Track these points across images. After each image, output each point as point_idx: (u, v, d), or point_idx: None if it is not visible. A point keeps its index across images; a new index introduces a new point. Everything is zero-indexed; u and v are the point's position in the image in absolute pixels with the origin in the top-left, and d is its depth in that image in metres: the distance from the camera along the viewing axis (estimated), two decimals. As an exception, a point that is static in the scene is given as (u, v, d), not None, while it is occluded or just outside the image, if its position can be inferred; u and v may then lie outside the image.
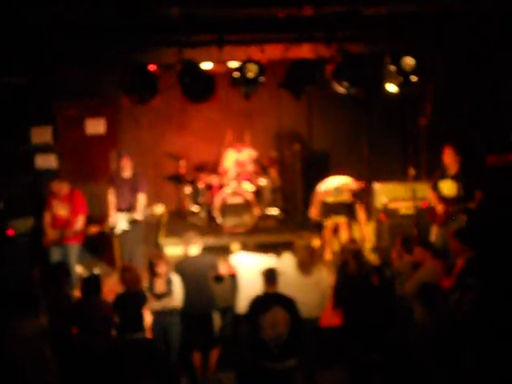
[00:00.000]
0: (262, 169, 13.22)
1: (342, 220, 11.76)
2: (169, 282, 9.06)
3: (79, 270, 10.80)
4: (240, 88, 10.22)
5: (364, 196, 11.68)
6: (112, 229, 11.18)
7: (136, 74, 10.08)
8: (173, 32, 9.79)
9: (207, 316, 9.25)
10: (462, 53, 10.87)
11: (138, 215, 11.05)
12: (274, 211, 13.22)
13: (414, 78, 9.99)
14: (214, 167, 13.32)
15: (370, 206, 12.15)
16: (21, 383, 7.52)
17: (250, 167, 13.03)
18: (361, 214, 11.69)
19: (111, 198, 11.30)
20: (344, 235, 11.67)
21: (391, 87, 10.20)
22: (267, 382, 8.11)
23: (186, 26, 9.56)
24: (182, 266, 9.32)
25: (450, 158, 10.60)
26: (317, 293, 8.92)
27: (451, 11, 9.63)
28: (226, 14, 9.57)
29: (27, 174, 12.66)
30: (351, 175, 11.93)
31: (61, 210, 10.74)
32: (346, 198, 11.60)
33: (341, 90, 10.21)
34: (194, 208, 13.28)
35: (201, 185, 13.13)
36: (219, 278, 9.47)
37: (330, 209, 11.69)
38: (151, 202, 11.46)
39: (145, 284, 9.06)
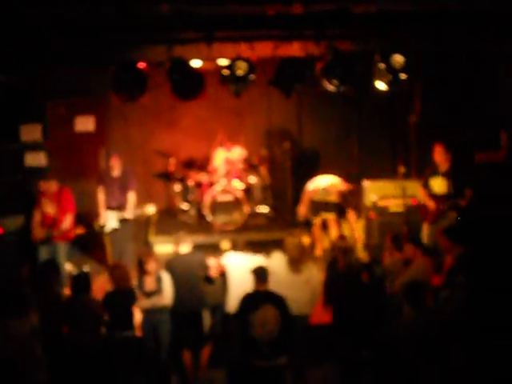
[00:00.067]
0: (251, 167, 13.21)
1: (330, 217, 11.77)
2: (158, 280, 9.05)
3: (69, 267, 10.76)
4: (230, 86, 10.22)
5: (352, 199, 11.66)
6: (102, 227, 11.16)
7: (125, 71, 10.06)
8: (162, 29, 9.77)
9: (197, 314, 9.24)
10: (452, 50, 10.88)
11: (128, 214, 11.04)
12: (263, 209, 13.22)
13: (403, 76, 10.01)
14: (203, 165, 13.29)
15: (359, 204, 12.16)
16: (11, 383, 7.48)
17: (240, 165, 13.03)
18: (350, 213, 11.70)
19: (101, 196, 11.28)
20: (333, 232, 11.69)
21: (381, 85, 10.22)
22: (258, 380, 8.10)
23: (175, 23, 9.54)
24: (172, 264, 9.31)
25: (440, 156, 10.63)
26: (307, 290, 8.93)
27: (440, 9, 9.64)
28: (215, 12, 9.55)
29: (17, 172, 12.59)
30: (341, 173, 11.96)
31: (49, 209, 10.71)
32: (333, 198, 11.62)
33: (330, 87, 10.21)
34: (184, 206, 13.26)
35: (190, 182, 13.11)
36: (209, 280, 9.46)
37: (318, 206, 11.70)
38: (141, 200, 11.46)
39: (134, 282, 9.05)
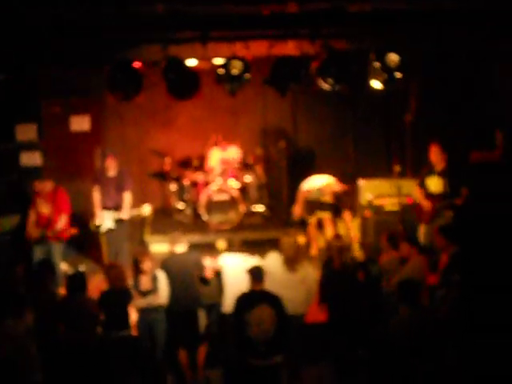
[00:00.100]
0: (247, 166, 13.21)
1: (326, 216, 11.77)
2: (154, 279, 9.05)
3: (64, 267, 10.75)
4: (225, 85, 10.22)
5: (346, 199, 11.67)
6: (97, 227, 11.15)
7: (121, 70, 10.05)
8: (157, 29, 9.76)
9: (192, 313, 9.24)
10: (447, 49, 10.88)
11: (124, 215, 11.03)
12: (259, 208, 13.22)
13: (398, 75, 10.02)
14: (199, 164, 13.29)
15: (355, 203, 12.17)
16: (7, 383, 7.48)
17: (236, 165, 13.03)
18: (346, 213, 11.70)
19: (96, 196, 11.26)
20: (329, 231, 11.69)
21: (376, 84, 10.23)
22: (254, 379, 8.10)
23: (170, 22, 9.53)
24: (168, 264, 9.31)
25: (436, 156, 10.64)
26: (303, 289, 8.94)
27: (435, 8, 9.65)
28: (210, 11, 9.55)
29: (12, 171, 12.59)
30: (336, 172, 11.96)
31: (44, 209, 10.69)
32: (327, 199, 11.63)
33: (326, 86, 10.22)
34: (180, 205, 13.25)
35: (186, 182, 13.11)
36: (205, 281, 9.47)
37: (313, 205, 11.71)
38: (137, 199, 11.46)
39: (130, 281, 9.05)
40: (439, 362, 7.58)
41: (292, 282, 8.90)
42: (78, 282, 8.61)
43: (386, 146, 14.19)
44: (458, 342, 7.91)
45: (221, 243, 10.04)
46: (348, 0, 9.37)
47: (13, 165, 12.64)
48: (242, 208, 12.55)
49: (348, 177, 12.49)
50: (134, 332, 8.92)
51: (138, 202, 11.39)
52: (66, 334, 8.30)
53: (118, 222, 11.05)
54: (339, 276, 8.80)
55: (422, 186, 10.76)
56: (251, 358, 8.02)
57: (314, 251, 11.77)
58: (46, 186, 10.73)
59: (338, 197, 11.60)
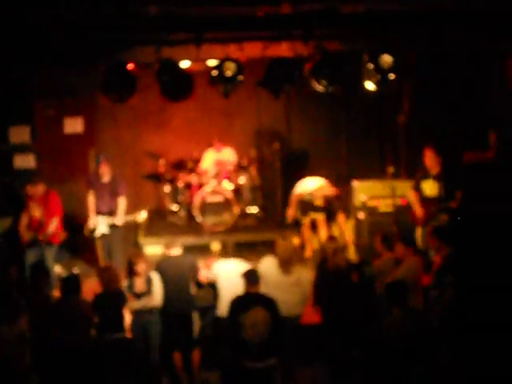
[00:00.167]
0: (241, 167, 13.20)
1: (319, 217, 11.76)
2: (148, 281, 9.03)
3: (58, 269, 10.75)
4: (219, 86, 10.22)
5: (338, 203, 11.66)
6: (92, 232, 11.14)
7: (114, 72, 10.03)
8: (151, 30, 9.75)
9: (187, 316, 9.24)
10: (441, 50, 10.89)
11: (118, 220, 11.02)
12: (253, 210, 13.21)
13: (391, 76, 10.02)
14: (193, 166, 13.27)
15: (349, 204, 12.17)
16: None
17: (230, 166, 13.02)
18: (339, 215, 11.70)
19: (91, 200, 11.24)
20: (323, 233, 11.68)
21: (369, 85, 10.23)
22: (249, 381, 8.11)
23: (164, 24, 9.53)
24: (163, 266, 9.31)
25: (430, 160, 10.63)
26: (297, 291, 8.94)
27: (429, 9, 9.66)
28: (204, 13, 9.55)
29: (5, 174, 12.58)
30: (330, 173, 11.96)
31: (36, 212, 10.67)
32: (319, 203, 11.62)
33: (319, 88, 10.21)
34: (174, 207, 13.23)
35: (180, 184, 13.09)
36: (200, 284, 9.48)
37: (307, 206, 11.70)
38: (131, 202, 11.46)
39: (124, 283, 9.04)
40: (433, 363, 7.59)
41: (287, 285, 8.89)
42: (72, 284, 8.59)
43: (379, 147, 14.19)
44: (452, 343, 7.91)
45: (215, 245, 10.04)
46: (341, 1, 9.38)
47: (6, 167, 12.63)
48: (236, 210, 12.54)
49: (342, 178, 12.50)
50: (128, 334, 8.90)
51: (132, 204, 11.39)
52: (60, 337, 8.27)
53: (112, 226, 11.04)
54: (333, 277, 8.80)
55: (417, 189, 10.76)
56: (246, 361, 8.02)
57: (308, 253, 11.77)
58: (39, 189, 10.70)
59: (329, 200, 11.59)
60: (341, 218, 11.70)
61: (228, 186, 12.78)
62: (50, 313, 8.42)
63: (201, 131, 13.58)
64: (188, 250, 9.97)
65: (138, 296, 8.97)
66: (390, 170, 11.61)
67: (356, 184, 12.08)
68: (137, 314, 9.00)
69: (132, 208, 11.44)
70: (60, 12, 9.07)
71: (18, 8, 8.86)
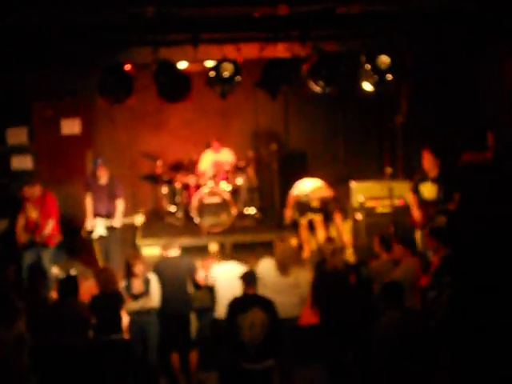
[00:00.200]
0: (239, 168, 13.19)
1: (317, 218, 11.75)
2: (146, 282, 9.03)
3: (55, 271, 10.74)
4: (216, 87, 10.21)
5: (334, 205, 11.63)
6: (89, 234, 11.12)
7: (111, 73, 10.02)
8: (148, 31, 9.73)
9: (184, 317, 9.24)
10: (439, 50, 10.90)
11: (116, 223, 11.01)
12: (251, 211, 13.21)
13: (389, 77, 10.02)
14: (190, 167, 13.27)
15: (346, 205, 12.17)
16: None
17: (228, 167, 13.02)
18: (336, 217, 11.69)
19: (88, 202, 11.22)
20: (320, 233, 11.67)
21: (367, 86, 10.23)
22: (246, 383, 8.11)
23: (161, 25, 9.52)
24: (160, 267, 9.30)
25: (429, 163, 10.61)
26: (296, 293, 8.94)
27: (426, 10, 9.66)
28: (201, 13, 9.54)
29: (3, 175, 12.58)
30: (328, 174, 11.96)
31: (32, 213, 10.65)
32: (315, 205, 11.61)
33: (316, 88, 10.21)
34: (171, 208, 13.23)
35: (178, 185, 13.08)
36: (197, 286, 9.47)
37: (304, 207, 11.69)
38: (128, 203, 11.46)
39: (122, 284, 9.03)
40: (430, 364, 7.58)
41: (285, 286, 8.89)
42: (69, 286, 8.57)
43: (377, 148, 14.19)
44: (450, 344, 7.91)
45: (213, 246, 10.04)
46: (338, 2, 9.38)
47: (3, 168, 12.63)
48: (234, 210, 12.53)
49: (339, 179, 12.49)
50: (126, 335, 8.89)
51: (129, 206, 11.37)
52: (58, 338, 8.26)
53: (110, 228, 11.03)
54: (331, 278, 8.80)
55: (416, 192, 10.75)
56: (244, 362, 8.02)
57: (306, 254, 11.76)
58: (35, 190, 10.67)
59: (325, 202, 11.57)
60: (338, 218, 11.69)
61: (226, 186, 12.77)
62: (47, 314, 8.41)
63: (198, 132, 13.58)
64: (186, 251, 9.96)
65: (136, 297, 8.96)
66: (388, 170, 11.59)
67: (354, 185, 12.07)
68: (135, 315, 9.00)
69: (130, 209, 11.44)
70: (57, 14, 9.05)
71: (16, 9, 8.84)
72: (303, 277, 9.14)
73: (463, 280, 8.21)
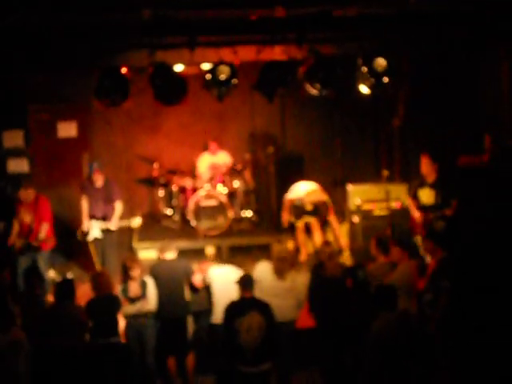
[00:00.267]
0: (235, 171, 13.18)
1: (313, 221, 11.73)
2: (143, 286, 9.02)
3: (52, 274, 10.71)
4: (212, 90, 10.19)
5: (327, 210, 11.60)
6: (84, 235, 11.10)
7: (107, 77, 10.01)
8: (144, 34, 9.72)
9: (181, 320, 9.23)
10: (435, 54, 10.90)
11: (113, 225, 10.99)
12: (247, 213, 13.19)
13: (385, 79, 10.01)
14: (187, 170, 13.26)
15: (343, 208, 12.16)
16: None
17: (224, 170, 13.01)
18: (332, 220, 11.67)
19: (84, 205, 11.20)
20: (317, 236, 11.65)
21: (363, 88, 10.22)
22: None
23: (157, 28, 9.50)
24: (157, 270, 9.30)
25: (427, 168, 10.61)
26: (292, 296, 8.93)
27: (423, 12, 9.67)
28: (197, 16, 9.53)
29: (-1, 178, 12.58)
30: (324, 177, 11.96)
31: (26, 217, 10.62)
32: (309, 208, 11.59)
33: (313, 91, 10.21)
34: (168, 211, 13.22)
35: (174, 188, 13.07)
36: (194, 289, 9.46)
37: (299, 211, 11.67)
38: (125, 206, 11.43)
39: (119, 288, 9.02)
40: (426, 366, 7.57)
41: (281, 290, 8.89)
42: (66, 289, 8.54)
43: (374, 150, 14.19)
44: (447, 346, 7.90)
45: (209, 249, 10.02)
46: (335, 4, 9.37)
47: (0, 172, 12.61)
48: (231, 214, 12.52)
49: (336, 182, 12.48)
50: (122, 339, 8.87)
51: (126, 209, 11.36)
52: (55, 342, 8.23)
53: (106, 231, 11.01)
54: (328, 282, 8.79)
55: (415, 197, 10.75)
56: (241, 365, 8.01)
57: (303, 257, 11.74)
58: (29, 194, 10.64)
59: (318, 206, 11.55)
60: (334, 222, 11.67)
61: (222, 189, 12.76)
62: (44, 318, 8.38)
63: (195, 135, 13.57)
64: (182, 254, 9.95)
65: (133, 300, 8.95)
66: (385, 173, 11.58)
67: (350, 187, 12.05)
68: (131, 318, 8.98)
69: (126, 212, 11.44)
70: (53, 17, 9.04)
71: (16, 9, 8.83)
72: (300, 280, 9.12)
73: (463, 280, 8.21)
